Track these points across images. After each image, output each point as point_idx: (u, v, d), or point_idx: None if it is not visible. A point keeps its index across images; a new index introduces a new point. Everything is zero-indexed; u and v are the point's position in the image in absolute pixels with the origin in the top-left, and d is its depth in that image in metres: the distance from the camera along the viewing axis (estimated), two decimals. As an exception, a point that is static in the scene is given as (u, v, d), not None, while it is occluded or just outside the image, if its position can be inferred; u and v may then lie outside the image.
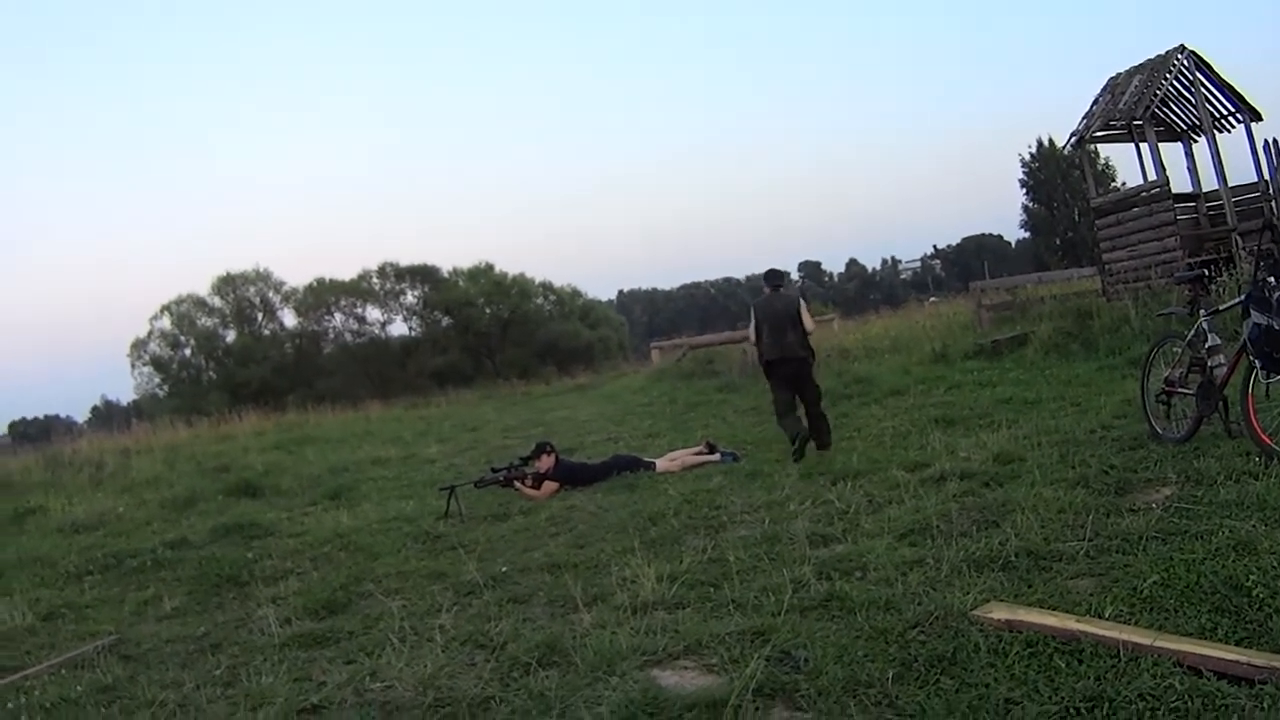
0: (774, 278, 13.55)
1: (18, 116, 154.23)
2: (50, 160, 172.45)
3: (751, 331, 13.47)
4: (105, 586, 9.95)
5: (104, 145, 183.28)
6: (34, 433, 60.28)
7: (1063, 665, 4.44)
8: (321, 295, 64.51)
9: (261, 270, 64.84)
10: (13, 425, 70.66)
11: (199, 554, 10.80)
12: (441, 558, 9.17)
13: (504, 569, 8.18)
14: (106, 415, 70.25)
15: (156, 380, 63.70)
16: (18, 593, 9.68)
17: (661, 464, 12.70)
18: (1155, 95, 20.39)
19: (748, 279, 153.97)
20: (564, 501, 11.39)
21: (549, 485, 12.21)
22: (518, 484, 12.25)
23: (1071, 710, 4.06)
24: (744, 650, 5.24)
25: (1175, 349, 9.63)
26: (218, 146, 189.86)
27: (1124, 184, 38.82)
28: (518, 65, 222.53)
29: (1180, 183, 21.29)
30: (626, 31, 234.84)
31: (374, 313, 65.85)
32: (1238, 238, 18.75)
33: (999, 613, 5.10)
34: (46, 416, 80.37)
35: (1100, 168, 54.71)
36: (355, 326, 65.65)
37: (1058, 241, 77.02)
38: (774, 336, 12.96)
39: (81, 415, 76.43)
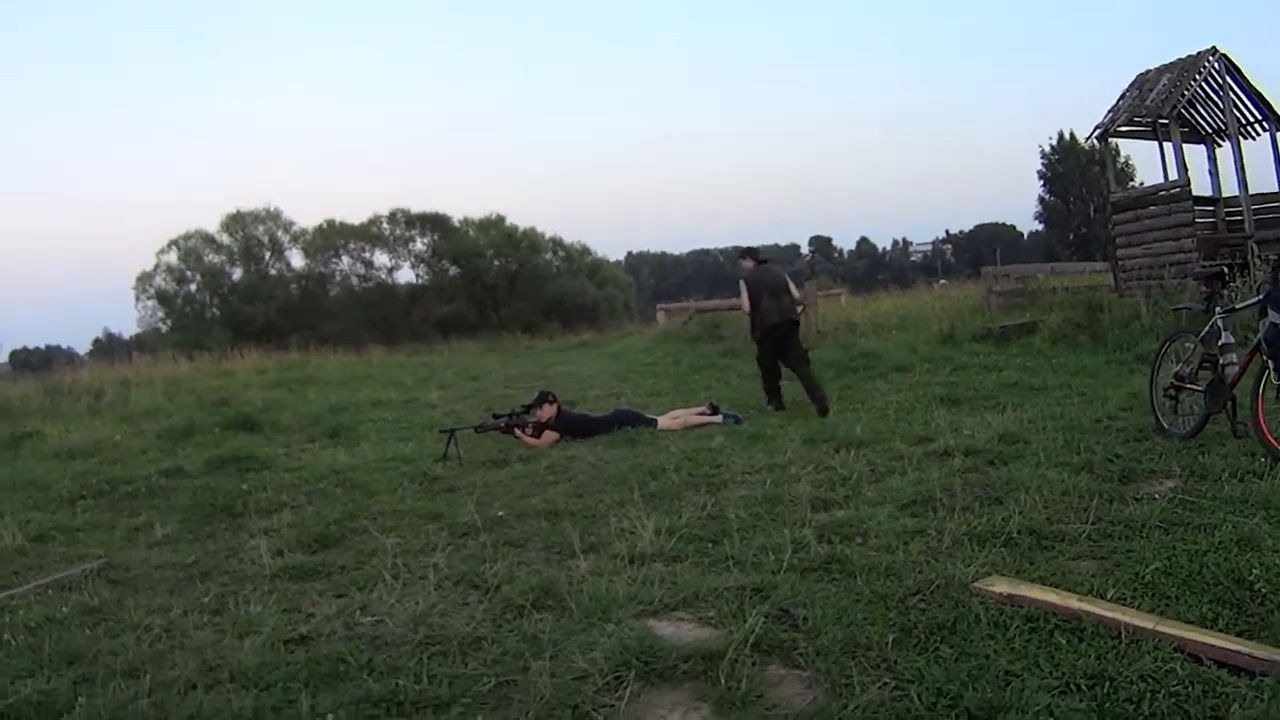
0: (755, 253, 15.09)
1: (30, 40, 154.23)
2: (61, 88, 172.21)
3: (746, 302, 14.37)
4: (97, 512, 9.93)
5: (117, 75, 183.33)
6: (35, 362, 60.22)
7: (1063, 642, 4.42)
8: (330, 238, 64.41)
9: (271, 209, 64.74)
10: (14, 354, 70.52)
11: (193, 483, 10.80)
12: (438, 499, 9.18)
13: (501, 513, 8.18)
14: (108, 347, 70.27)
15: (160, 314, 63.67)
16: (9, 515, 9.61)
17: (664, 421, 12.68)
18: (1183, 95, 20.29)
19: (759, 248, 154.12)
20: (564, 451, 11.38)
21: (549, 434, 12.20)
22: (518, 431, 12.22)
23: (1072, 686, 4.04)
24: (742, 605, 5.22)
25: (1187, 345, 9.57)
26: (233, 83, 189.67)
27: (1142, 183, 38.76)
28: (542, 23, 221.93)
29: (1201, 185, 21.23)
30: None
31: (382, 258, 65.69)
32: (1254, 245, 18.71)
33: (1001, 586, 5.08)
34: (48, 346, 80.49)
35: (1120, 165, 54.59)
36: (362, 271, 65.50)
37: (1071, 236, 77.14)
38: (775, 301, 14.07)
39: (83, 347, 76.50)
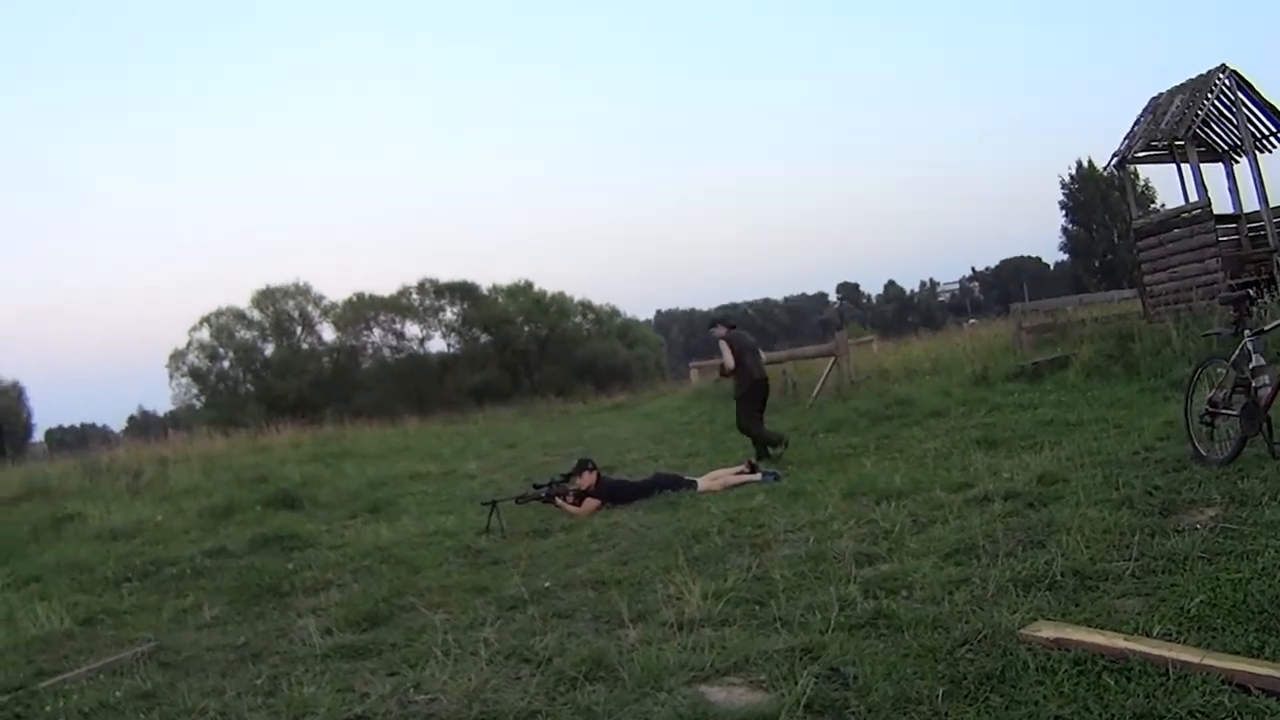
0: (727, 319, 17.12)
1: (59, 120, 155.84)
2: (90, 168, 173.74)
3: (730, 359, 15.95)
4: (143, 593, 10.04)
5: (145, 154, 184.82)
6: (71, 441, 60.56)
7: (1112, 683, 4.43)
8: (360, 310, 64.90)
9: (301, 284, 65.49)
10: (49, 434, 71.21)
11: (238, 563, 10.88)
12: (484, 572, 9.20)
13: (547, 584, 8.20)
14: (143, 425, 70.57)
15: (194, 391, 64.34)
16: (56, 598, 9.76)
17: (703, 483, 12.64)
18: (1197, 115, 20.32)
19: (785, 299, 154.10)
20: (606, 519, 11.37)
21: (590, 502, 12.18)
22: (559, 500, 12.22)
23: (1122, 727, 4.05)
24: (792, 667, 5.23)
25: (1219, 370, 9.56)
26: (260, 159, 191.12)
27: (1163, 205, 38.57)
28: (561, 84, 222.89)
29: (1221, 203, 21.21)
30: (676, 52, 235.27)
31: (413, 329, 66.24)
32: (1278, 259, 18.67)
33: (1047, 631, 5.09)
34: (83, 425, 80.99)
35: (1140, 189, 54.52)
36: (394, 342, 66.03)
37: (1097, 264, 77.09)
38: (755, 359, 16.19)
39: (118, 425, 76.82)
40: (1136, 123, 21.83)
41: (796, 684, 4.90)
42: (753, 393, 16.10)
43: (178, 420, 59.55)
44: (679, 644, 5.92)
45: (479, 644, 6.50)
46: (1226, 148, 21.84)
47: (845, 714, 4.64)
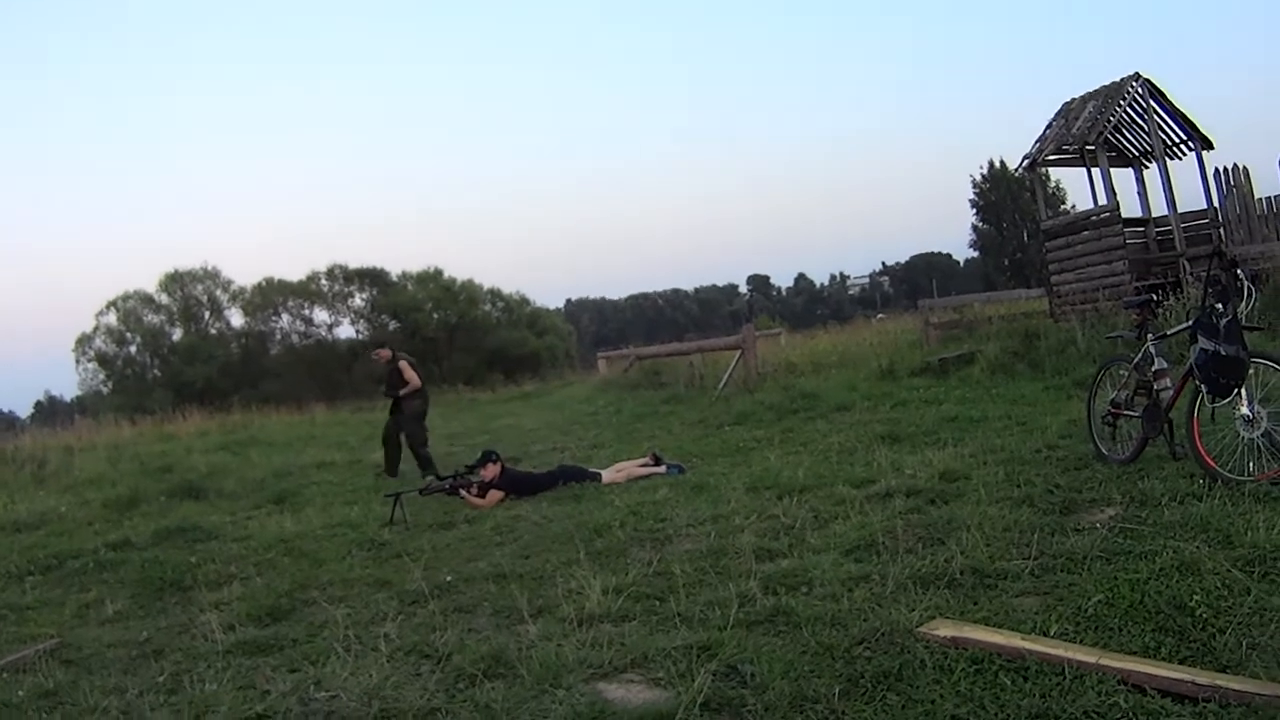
0: (389, 343, 18.00)
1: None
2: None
3: (417, 379, 16.90)
4: (46, 588, 9.87)
5: (54, 136, 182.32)
6: (-25, 427, 59.69)
7: (1008, 683, 4.46)
8: (269, 295, 64.40)
9: (210, 268, 64.95)
10: (-48, 420, 70.03)
11: (142, 556, 10.70)
12: (386, 565, 9.13)
13: (449, 578, 8.15)
14: (50, 411, 69.86)
15: (101, 377, 63.61)
16: (-42, 593, 9.59)
17: (607, 475, 12.65)
18: (1109, 121, 20.66)
19: (696, 290, 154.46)
20: (509, 511, 11.35)
21: (494, 494, 12.16)
22: (463, 492, 12.20)
23: (1017, 728, 4.08)
24: (690, 664, 5.22)
25: (1122, 371, 9.68)
26: (170, 142, 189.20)
27: (1074, 207, 39.20)
28: (473, 69, 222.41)
29: (1130, 208, 21.60)
30: (585, 39, 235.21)
31: (321, 315, 65.84)
32: (1185, 263, 18.98)
33: (945, 630, 5.12)
34: (-12, 410, 79.75)
35: (1051, 190, 55.15)
36: (302, 328, 65.58)
37: (1006, 262, 77.91)
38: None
39: (24, 410, 75.85)
40: (1048, 126, 22.18)
41: (694, 682, 4.90)
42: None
43: (85, 406, 59.05)
44: (578, 640, 5.89)
45: (380, 640, 6.45)
46: (1137, 153, 22.27)
47: (743, 712, 4.63)
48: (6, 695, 6.28)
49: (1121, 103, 20.79)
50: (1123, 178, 22.11)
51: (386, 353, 17.01)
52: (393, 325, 63.40)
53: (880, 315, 56.69)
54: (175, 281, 63.80)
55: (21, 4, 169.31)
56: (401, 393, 16.66)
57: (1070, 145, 21.35)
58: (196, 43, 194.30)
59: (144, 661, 6.86)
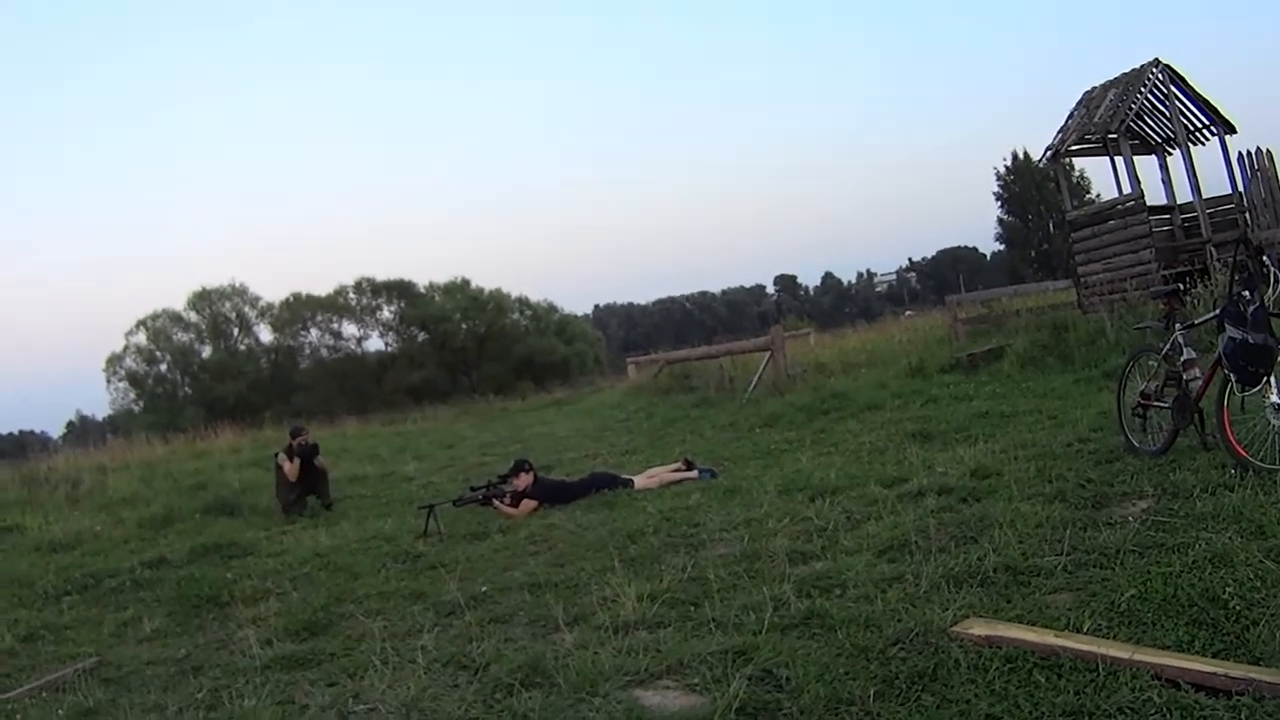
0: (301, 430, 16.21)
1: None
2: (27, 171, 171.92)
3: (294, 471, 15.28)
4: (84, 607, 9.92)
5: (82, 157, 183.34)
6: (9, 449, 59.80)
7: (1042, 680, 4.46)
8: (297, 311, 64.67)
9: (238, 285, 65.26)
10: (-16, 442, 70.31)
11: (178, 574, 10.74)
12: (422, 577, 9.13)
13: (484, 589, 8.16)
14: (82, 431, 69.83)
15: (132, 396, 63.93)
16: (-3, 613, 9.66)
17: (640, 481, 12.62)
18: (1130, 109, 20.53)
19: (723, 293, 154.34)
20: (543, 520, 11.32)
21: (527, 503, 12.13)
22: (496, 502, 12.17)
23: (1050, 725, 4.08)
24: (726, 670, 5.22)
25: (1151, 362, 9.64)
26: (196, 161, 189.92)
27: (1099, 196, 39.07)
28: (499, 81, 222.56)
29: (1155, 195, 21.48)
30: (611, 47, 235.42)
31: (350, 328, 66.21)
32: (1212, 249, 18.88)
33: (978, 629, 5.12)
34: (21, 432, 79.92)
35: (1075, 180, 54.95)
36: (331, 342, 65.95)
37: (1032, 254, 77.58)
38: None
39: (56, 431, 76.06)
40: (1070, 116, 22.05)
41: (730, 687, 4.90)
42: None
43: (116, 425, 59.05)
44: (614, 648, 5.90)
45: (416, 652, 6.48)
46: (1159, 140, 22.12)
47: (778, 716, 4.64)
48: (47, 715, 6.35)
49: (1142, 90, 20.66)
50: (1146, 165, 21.99)
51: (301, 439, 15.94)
52: (421, 337, 63.66)
53: (909, 312, 56.58)
54: (203, 299, 64.15)
55: (55, 24, 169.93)
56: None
57: (1093, 134, 21.23)
58: (223, 61, 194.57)
59: (183, 678, 6.90)
